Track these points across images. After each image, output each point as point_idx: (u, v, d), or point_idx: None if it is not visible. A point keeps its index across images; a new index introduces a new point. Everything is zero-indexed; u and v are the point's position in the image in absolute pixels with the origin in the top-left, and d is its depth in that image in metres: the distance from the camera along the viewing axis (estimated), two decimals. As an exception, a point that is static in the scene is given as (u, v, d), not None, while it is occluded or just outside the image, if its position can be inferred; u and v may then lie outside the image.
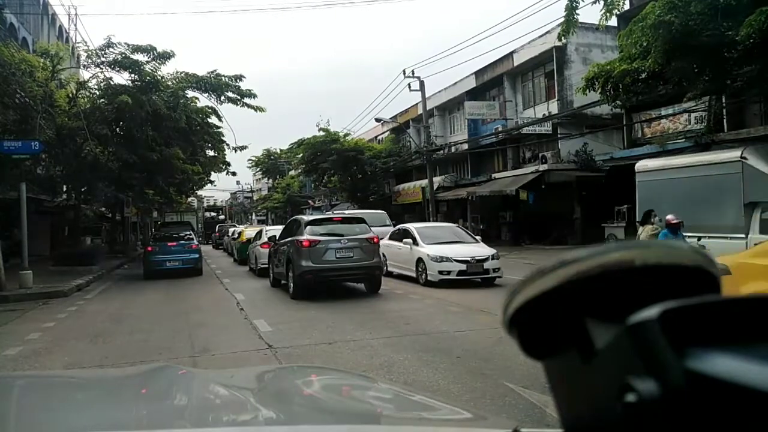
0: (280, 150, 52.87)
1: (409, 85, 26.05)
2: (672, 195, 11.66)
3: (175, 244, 17.01)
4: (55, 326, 8.59)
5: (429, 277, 11.84)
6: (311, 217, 12.81)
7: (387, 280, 12.86)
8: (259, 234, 17.34)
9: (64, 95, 16.76)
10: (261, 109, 17.98)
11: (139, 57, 16.33)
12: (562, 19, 10.76)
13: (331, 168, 33.25)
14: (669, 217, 8.78)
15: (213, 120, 19.13)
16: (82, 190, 21.08)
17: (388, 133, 36.37)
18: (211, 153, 22.91)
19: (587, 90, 13.76)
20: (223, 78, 17.39)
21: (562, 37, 11.53)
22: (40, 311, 10.37)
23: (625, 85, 13.03)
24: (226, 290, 12.97)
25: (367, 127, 39.31)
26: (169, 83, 17.04)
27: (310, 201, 46.72)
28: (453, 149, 28.08)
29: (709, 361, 0.45)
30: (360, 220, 11.91)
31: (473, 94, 27.62)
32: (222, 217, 57.60)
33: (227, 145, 21.56)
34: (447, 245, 12.32)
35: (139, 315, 9.63)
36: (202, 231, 47.36)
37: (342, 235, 10.99)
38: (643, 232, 9.31)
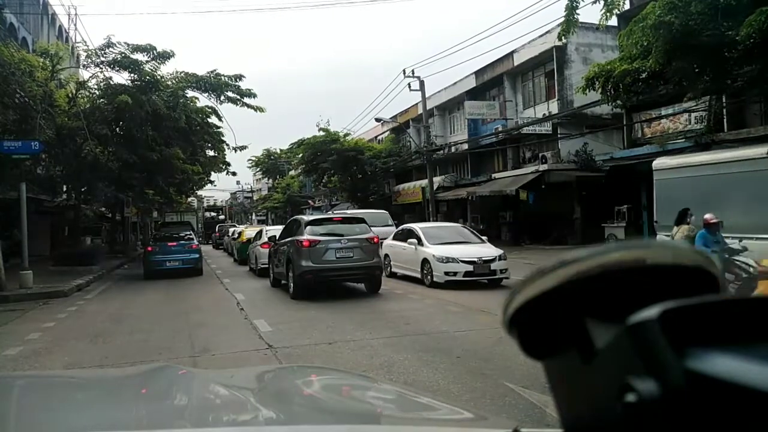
0: (280, 150, 52.90)
1: (409, 84, 26.07)
2: (694, 194, 11.10)
3: (175, 244, 17.01)
4: (55, 326, 8.59)
5: (435, 279, 11.63)
6: (311, 217, 12.81)
7: (389, 281, 12.85)
8: (259, 234, 17.34)
9: (63, 95, 16.76)
10: (261, 109, 17.99)
11: (139, 57, 16.34)
12: (562, 19, 10.77)
13: (331, 168, 33.24)
14: (707, 216, 8.17)
15: (213, 120, 19.16)
16: (82, 190, 21.09)
17: (388, 133, 36.37)
18: (211, 153, 22.91)
19: (587, 90, 13.76)
20: (222, 78, 17.39)
21: (562, 37, 11.53)
22: (40, 311, 10.37)
23: (626, 85, 13.03)
24: (226, 290, 12.97)
25: (367, 127, 39.34)
26: (169, 83, 17.04)
27: (310, 201, 46.72)
28: (453, 149, 28.08)
29: (709, 361, 0.45)
30: (360, 220, 11.90)
31: (473, 94, 27.62)
32: (222, 217, 57.60)
33: (227, 145, 21.59)
34: (453, 245, 12.10)
35: (139, 315, 9.64)
36: (202, 231, 47.35)
37: (342, 235, 10.99)
38: (678, 232, 8.64)
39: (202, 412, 1.46)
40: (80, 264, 17.08)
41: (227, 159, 25.29)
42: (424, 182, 26.92)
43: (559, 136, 22.16)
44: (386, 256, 14.14)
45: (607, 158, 19.98)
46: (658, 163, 12.95)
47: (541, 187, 21.70)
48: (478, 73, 27.25)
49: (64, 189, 22.95)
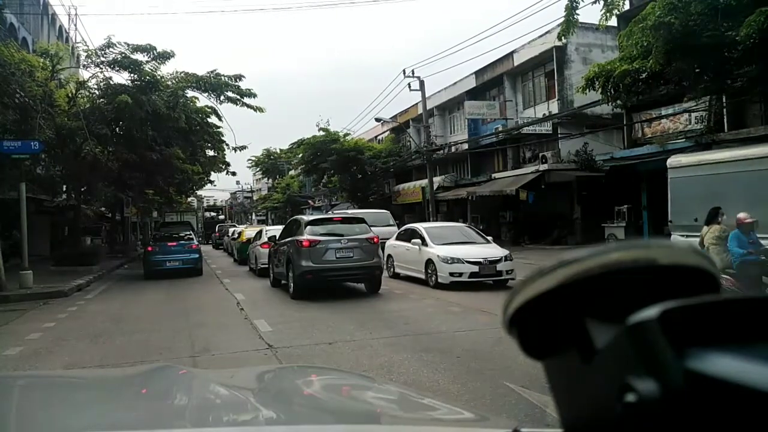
0: (280, 150, 52.89)
1: (409, 84, 26.06)
2: (712, 192, 10.53)
3: (175, 244, 17.02)
4: (55, 326, 8.59)
5: (439, 279, 11.41)
6: (311, 217, 12.80)
7: (393, 282, 12.80)
8: (259, 234, 17.34)
9: (63, 95, 16.75)
10: (260, 110, 17.97)
11: (139, 57, 16.33)
12: (562, 19, 10.78)
13: (331, 168, 33.23)
14: (741, 215, 7.63)
15: (213, 120, 19.13)
16: (82, 190, 21.07)
17: (388, 132, 36.36)
18: (210, 153, 22.89)
19: (587, 89, 13.74)
20: (222, 78, 17.38)
21: (562, 37, 11.54)
22: (41, 311, 10.37)
23: (626, 85, 13.02)
24: (226, 290, 12.97)
25: (367, 127, 39.35)
26: (169, 83, 17.02)
27: (310, 201, 46.70)
28: (453, 149, 28.07)
29: (709, 361, 0.45)
30: (360, 220, 11.89)
31: (473, 94, 27.61)
32: (222, 217, 57.63)
33: (227, 145, 21.56)
34: (457, 246, 11.90)
35: (139, 315, 9.64)
36: (202, 231, 47.39)
37: (342, 235, 10.99)
38: (709, 232, 8.05)
39: (202, 412, 1.46)
40: (80, 264, 17.07)
41: (227, 159, 25.30)
42: (424, 182, 26.91)
43: (559, 136, 22.15)
44: (389, 256, 13.97)
45: (607, 158, 19.98)
46: (673, 160, 12.43)
47: (541, 187, 21.69)
48: (478, 73, 27.25)
49: (64, 189, 22.94)
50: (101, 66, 16.56)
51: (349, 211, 19.63)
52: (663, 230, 16.71)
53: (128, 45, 16.16)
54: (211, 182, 33.31)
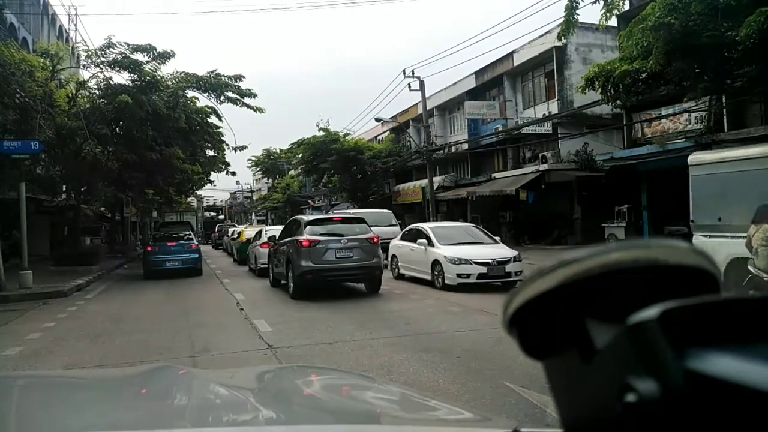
0: (280, 150, 52.87)
1: (409, 85, 26.05)
2: (739, 190, 9.97)
3: (174, 244, 17.03)
4: (55, 326, 8.59)
5: (446, 281, 11.12)
6: (311, 217, 12.80)
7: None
8: (259, 234, 17.34)
9: (63, 95, 16.75)
10: (260, 110, 17.97)
11: (139, 57, 16.33)
12: (562, 19, 10.78)
13: (331, 168, 33.22)
14: None
15: (213, 120, 19.14)
16: (82, 190, 21.08)
17: (388, 132, 36.35)
18: (210, 153, 22.90)
19: (587, 89, 13.73)
20: (222, 78, 17.38)
21: (562, 37, 11.54)
22: (40, 311, 10.37)
23: (626, 85, 13.01)
24: (226, 290, 12.97)
25: (367, 127, 39.33)
26: (169, 83, 17.03)
27: (310, 201, 46.70)
28: (453, 149, 28.06)
29: (709, 361, 0.45)
30: (360, 220, 11.88)
31: (473, 94, 27.61)
32: (222, 217, 57.70)
33: (227, 145, 21.57)
34: (465, 246, 11.63)
35: (139, 315, 9.64)
36: (201, 231, 47.41)
37: (342, 235, 10.99)
38: (758, 232, 7.53)
39: (202, 412, 1.46)
40: (80, 264, 17.07)
41: (227, 159, 25.30)
42: (424, 182, 26.91)
43: (559, 136, 22.15)
44: (393, 257, 13.74)
45: (607, 158, 19.97)
46: (694, 158, 11.83)
47: (541, 187, 21.69)
48: (478, 74, 27.25)
49: (64, 189, 22.93)
50: (101, 66, 16.57)
51: (351, 211, 19.48)
52: (663, 230, 16.76)
53: (128, 45, 16.18)
54: (211, 182, 33.34)
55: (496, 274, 11.04)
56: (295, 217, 15.01)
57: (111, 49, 16.17)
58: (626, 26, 12.91)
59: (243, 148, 21.62)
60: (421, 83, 25.77)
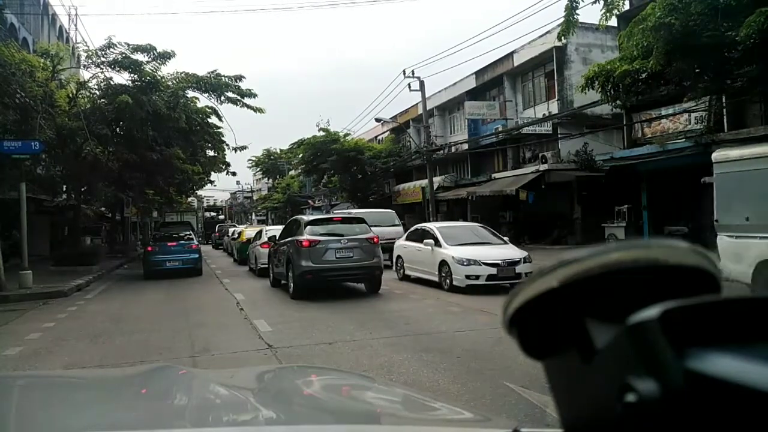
0: (280, 150, 52.90)
1: (409, 85, 26.05)
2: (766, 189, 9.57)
3: (175, 244, 17.03)
4: (55, 326, 8.59)
5: (455, 282, 10.81)
6: (311, 217, 12.80)
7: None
8: (259, 234, 17.35)
9: (64, 95, 16.75)
10: (260, 110, 17.98)
11: (139, 57, 16.34)
12: (562, 19, 10.78)
13: (331, 168, 33.23)
14: None
15: (213, 120, 19.14)
16: (82, 190, 21.09)
17: (388, 133, 36.36)
18: (211, 153, 22.90)
19: (587, 89, 13.73)
20: (223, 78, 17.39)
21: (562, 37, 11.54)
22: (40, 311, 10.37)
23: (626, 85, 13.02)
24: (226, 290, 12.97)
25: (367, 127, 39.33)
26: (169, 83, 17.03)
27: (310, 201, 46.70)
28: (453, 149, 28.07)
29: (709, 361, 0.45)
30: (360, 220, 11.88)
31: (473, 94, 27.61)
32: (222, 217, 57.68)
33: (227, 145, 21.58)
34: (473, 247, 11.30)
35: (139, 315, 9.63)
36: (202, 231, 47.42)
37: (342, 235, 10.99)
38: None
39: (202, 412, 1.46)
40: (80, 264, 17.08)
41: (227, 159, 25.30)
42: (424, 182, 26.91)
43: (559, 136, 22.16)
44: (399, 257, 13.48)
45: (607, 158, 19.98)
46: (719, 154, 11.33)
47: (541, 187, 21.70)
48: (478, 74, 27.25)
49: (64, 189, 22.95)
50: (102, 66, 16.58)
51: (354, 211, 19.28)
52: (663, 230, 16.77)
53: (128, 45, 16.18)
54: (211, 182, 33.31)
55: (505, 275, 10.66)
56: (295, 217, 15.01)
57: (111, 50, 16.18)
58: (626, 26, 12.91)
59: (243, 148, 21.64)
60: (421, 83, 25.78)
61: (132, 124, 16.47)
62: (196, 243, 17.91)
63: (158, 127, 16.92)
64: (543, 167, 21.43)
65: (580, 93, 15.11)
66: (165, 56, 16.51)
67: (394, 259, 13.73)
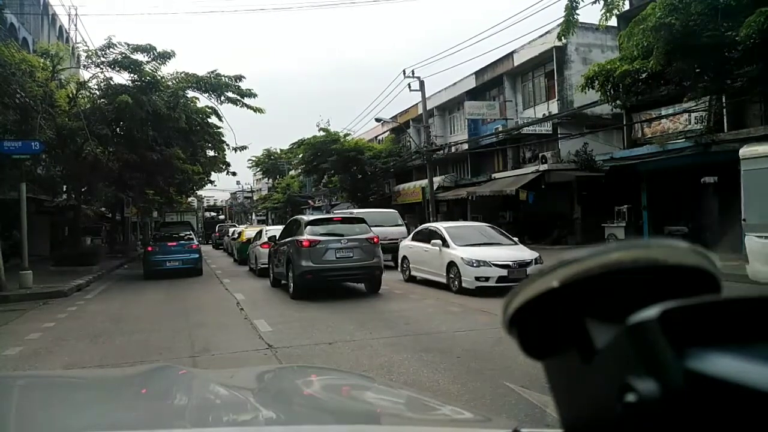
0: (280, 150, 52.93)
1: (409, 85, 26.06)
2: None
3: (175, 244, 17.03)
4: (55, 326, 8.59)
5: (464, 284, 10.54)
6: (311, 217, 12.80)
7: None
8: (259, 234, 17.35)
9: (64, 95, 16.75)
10: (260, 110, 17.98)
11: (139, 57, 16.35)
12: (562, 19, 10.78)
13: (331, 168, 33.24)
14: None
15: (213, 120, 19.15)
16: (82, 190, 21.09)
17: (388, 133, 36.37)
18: (211, 153, 22.90)
19: (586, 88, 13.73)
20: (223, 78, 17.39)
21: (562, 37, 11.54)
22: (40, 311, 10.37)
23: (626, 85, 13.02)
24: (226, 290, 12.96)
25: (367, 127, 39.36)
26: (169, 83, 17.04)
27: (310, 201, 46.71)
28: (453, 149, 28.07)
29: (709, 361, 0.45)
30: (360, 220, 11.88)
31: (473, 94, 27.62)
32: (222, 217, 57.66)
33: (227, 145, 21.58)
34: (482, 247, 11.04)
35: (139, 315, 9.64)
36: (202, 231, 47.40)
37: (342, 235, 10.99)
38: None
39: (202, 412, 1.46)
40: (80, 264, 17.08)
41: (227, 159, 25.29)
42: (424, 182, 26.91)
43: (559, 136, 22.16)
44: (404, 258, 13.22)
45: (607, 158, 19.98)
46: (747, 151, 10.94)
47: (541, 187, 21.70)
48: (478, 74, 27.25)
49: (64, 189, 22.94)
50: (102, 66, 16.58)
51: (356, 211, 18.96)
52: (663, 230, 16.76)
53: (128, 45, 16.19)
54: (212, 182, 33.30)
55: (516, 277, 10.08)
56: (295, 217, 15.01)
57: (111, 50, 16.19)
58: (626, 26, 12.92)
59: (243, 148, 21.65)
60: (421, 83, 25.78)
61: (132, 124, 16.47)
62: (196, 243, 17.91)
63: (158, 127, 16.92)
64: (543, 167, 21.43)
65: (580, 93, 15.12)
66: (165, 56, 16.51)
67: (400, 260, 13.54)
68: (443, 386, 4.88)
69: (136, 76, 16.38)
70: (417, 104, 29.36)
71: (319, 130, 32.67)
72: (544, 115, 22.76)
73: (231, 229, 29.90)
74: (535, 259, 10.78)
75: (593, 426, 0.54)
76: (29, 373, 5.05)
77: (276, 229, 15.26)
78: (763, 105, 15.01)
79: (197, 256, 16.94)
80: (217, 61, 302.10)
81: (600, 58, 18.18)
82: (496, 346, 5.90)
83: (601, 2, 10.25)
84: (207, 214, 59.84)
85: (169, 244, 17.00)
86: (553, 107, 22.98)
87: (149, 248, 17.39)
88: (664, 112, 17.61)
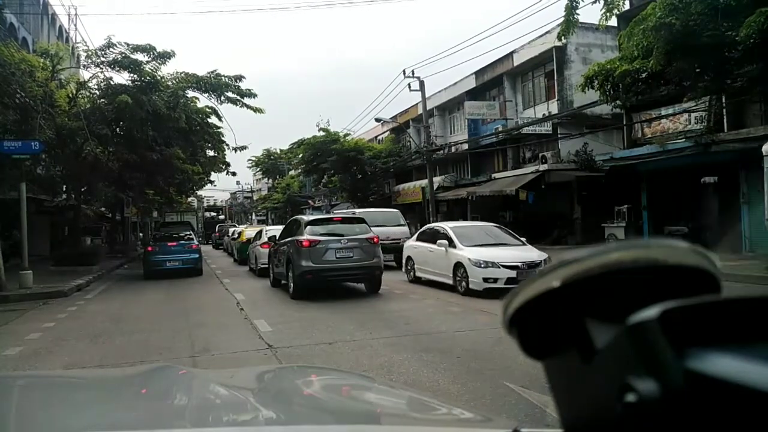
0: (280, 150, 52.92)
1: (409, 85, 26.06)
2: None
3: (175, 244, 17.03)
4: (55, 326, 8.59)
5: (471, 286, 10.33)
6: (311, 217, 12.80)
7: (386, 280, 12.75)
8: (259, 234, 17.35)
9: (64, 95, 16.75)
10: (260, 111, 17.97)
11: (139, 57, 16.34)
12: (562, 19, 10.78)
13: (331, 168, 33.24)
14: None
15: (213, 120, 19.15)
16: (82, 190, 21.09)
17: (388, 133, 36.36)
18: (211, 153, 22.91)
19: (586, 88, 13.73)
20: (223, 78, 17.39)
21: (562, 37, 11.54)
22: (40, 311, 10.37)
23: (626, 85, 13.01)
24: (226, 290, 12.96)
25: (367, 127, 39.35)
26: (169, 83, 17.03)
27: (310, 201, 46.71)
28: (453, 149, 28.07)
29: (709, 361, 0.45)
30: (360, 220, 11.87)
31: (473, 94, 27.61)
32: (222, 217, 57.67)
33: (227, 145, 21.58)
34: (490, 248, 10.81)
35: (139, 315, 9.63)
36: (202, 231, 47.41)
37: (342, 235, 10.99)
38: None
39: (202, 412, 1.46)
40: (80, 264, 17.08)
41: (227, 159, 25.30)
42: (424, 182, 26.91)
43: (559, 136, 22.15)
44: (409, 258, 13.03)
45: (607, 158, 19.98)
46: None
47: (541, 187, 21.69)
48: (478, 74, 27.25)
49: (64, 189, 22.94)
50: (101, 66, 16.58)
51: (358, 211, 18.72)
52: (663, 230, 16.76)
53: (128, 45, 16.19)
54: (211, 182, 33.32)
55: (525, 278, 10.25)
56: (295, 217, 15.01)
57: (111, 49, 16.18)
58: (626, 26, 12.92)
59: (243, 148, 21.64)
60: (421, 83, 25.78)
61: (132, 124, 16.47)
62: (196, 243, 17.92)
63: (158, 127, 16.92)
64: (543, 167, 21.43)
65: (580, 93, 15.12)
66: (165, 56, 16.51)
67: (404, 261, 13.38)
68: (443, 386, 4.88)
69: (136, 76, 16.38)
70: (417, 104, 29.36)
71: (319, 130, 32.70)
72: (544, 115, 22.75)
73: (231, 229, 29.90)
74: (544, 260, 10.52)
75: (593, 426, 0.54)
76: (29, 373, 5.05)
77: (276, 229, 15.26)
78: (763, 105, 15.01)
79: (197, 256, 16.94)
80: (217, 61, 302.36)
81: (600, 58, 18.16)
82: (496, 346, 5.90)
83: (601, 2, 10.26)
84: (207, 214, 59.85)
85: (169, 244, 17.00)
86: (553, 107, 22.97)
87: (149, 248, 17.39)
88: (664, 112, 17.61)
